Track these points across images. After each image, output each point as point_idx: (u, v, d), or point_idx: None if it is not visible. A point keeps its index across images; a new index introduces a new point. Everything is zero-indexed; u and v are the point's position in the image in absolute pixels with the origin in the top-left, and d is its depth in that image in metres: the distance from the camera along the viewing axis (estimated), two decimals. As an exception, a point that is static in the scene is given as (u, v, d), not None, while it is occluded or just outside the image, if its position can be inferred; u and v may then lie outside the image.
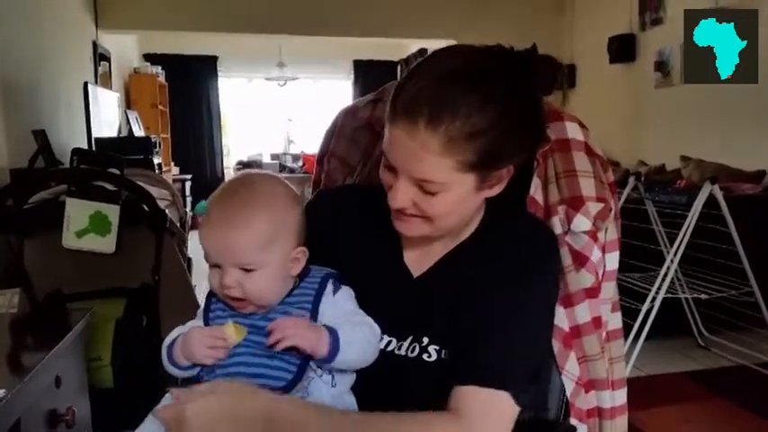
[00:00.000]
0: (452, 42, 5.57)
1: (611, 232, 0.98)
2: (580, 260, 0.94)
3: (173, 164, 6.71)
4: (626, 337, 2.70)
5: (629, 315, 2.74)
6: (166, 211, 1.92)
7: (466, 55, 0.81)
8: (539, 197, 0.97)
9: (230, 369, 0.81)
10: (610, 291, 0.99)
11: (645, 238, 2.82)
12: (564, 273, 0.94)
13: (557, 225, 0.95)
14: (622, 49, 5.02)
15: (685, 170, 3.87)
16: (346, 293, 0.89)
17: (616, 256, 0.99)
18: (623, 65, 5.11)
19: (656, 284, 2.65)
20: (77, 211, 1.76)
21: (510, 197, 0.90)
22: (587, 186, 0.95)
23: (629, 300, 2.77)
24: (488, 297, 0.85)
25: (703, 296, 2.70)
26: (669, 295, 2.67)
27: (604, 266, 0.97)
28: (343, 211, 0.98)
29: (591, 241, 0.94)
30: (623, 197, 2.95)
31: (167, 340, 0.88)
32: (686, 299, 2.89)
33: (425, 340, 0.86)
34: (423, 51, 5.67)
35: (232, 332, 0.82)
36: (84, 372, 1.42)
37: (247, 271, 0.82)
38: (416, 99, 0.76)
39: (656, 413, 2.43)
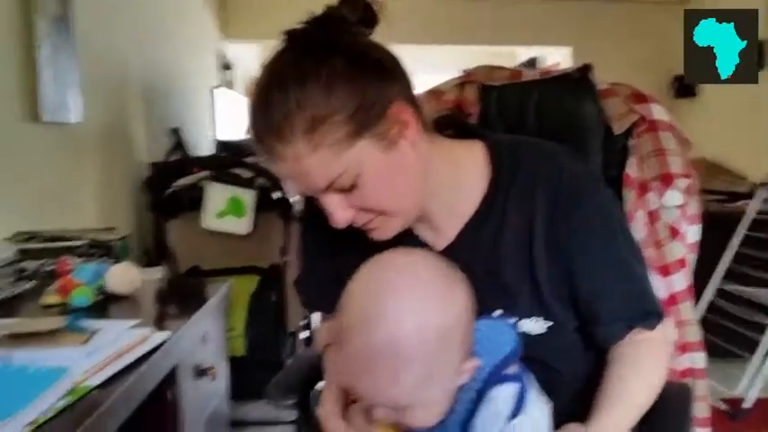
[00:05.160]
0: (566, 50, 5.52)
1: (693, 207, 1.06)
2: (673, 232, 1.03)
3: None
4: (752, 354, 2.56)
5: (758, 330, 2.60)
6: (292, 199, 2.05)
7: (267, 72, 0.77)
8: (633, 174, 1.05)
9: None
10: (692, 261, 1.08)
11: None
12: (662, 244, 1.03)
13: (652, 200, 1.04)
14: (752, 56, 4.76)
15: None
16: (537, 413, 0.72)
17: (697, 229, 1.07)
18: (752, 74, 4.84)
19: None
20: (217, 195, 1.92)
21: (606, 173, 0.99)
22: (675, 163, 1.03)
23: (763, 315, 2.63)
24: (570, 248, 0.83)
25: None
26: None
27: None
28: (333, 229, 0.84)
29: (680, 215, 1.04)
30: (752, 209, 2.81)
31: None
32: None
33: (497, 314, 0.83)
34: (532, 60, 5.63)
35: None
36: (223, 336, 1.56)
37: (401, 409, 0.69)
38: (261, 135, 0.75)
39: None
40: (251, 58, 7.01)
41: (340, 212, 0.78)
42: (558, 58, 5.52)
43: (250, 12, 5.53)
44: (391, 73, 0.79)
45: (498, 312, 0.83)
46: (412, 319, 0.66)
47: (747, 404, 2.48)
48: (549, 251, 0.84)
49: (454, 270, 0.73)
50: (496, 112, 1.11)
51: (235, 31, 5.57)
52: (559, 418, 0.76)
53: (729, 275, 2.82)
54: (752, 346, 2.58)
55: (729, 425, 2.43)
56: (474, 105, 1.11)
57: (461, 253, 0.84)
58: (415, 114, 0.80)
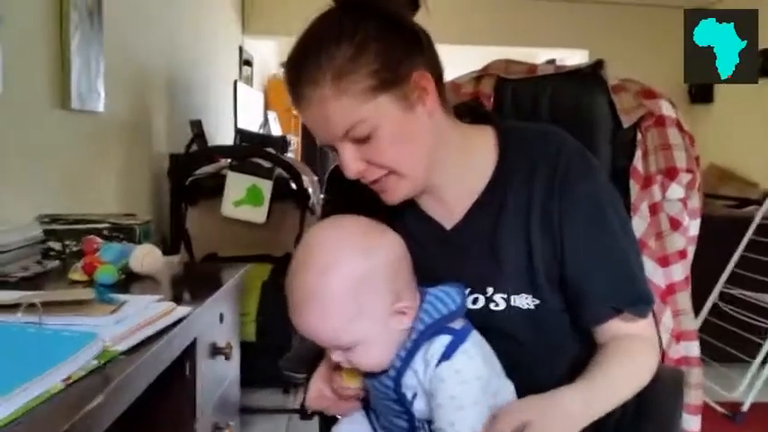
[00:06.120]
0: (584, 53, 5.54)
1: (695, 201, 1.10)
2: (674, 224, 1.07)
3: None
4: (754, 358, 2.58)
5: (761, 334, 2.62)
6: (309, 190, 2.10)
7: (309, 29, 0.85)
8: (640, 167, 1.09)
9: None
10: (691, 253, 1.12)
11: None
12: (663, 235, 1.07)
13: (656, 192, 1.08)
14: (770, 63, 4.73)
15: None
16: (464, 362, 0.76)
17: (697, 223, 1.11)
18: (769, 80, 4.82)
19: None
20: (236, 184, 1.99)
21: (614, 165, 1.06)
22: (680, 158, 1.07)
23: (762, 319, 2.65)
24: (561, 228, 0.88)
25: None
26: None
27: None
28: (354, 185, 0.91)
29: (683, 208, 1.08)
30: (760, 214, 2.83)
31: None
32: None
33: (490, 290, 0.89)
34: (551, 62, 5.64)
35: (347, 379, 0.84)
36: (237, 320, 1.61)
37: (346, 349, 0.80)
38: (293, 81, 0.84)
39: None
40: (268, 53, 7.09)
41: (353, 162, 0.85)
42: (575, 60, 5.53)
43: (269, 8, 5.59)
44: (420, 44, 0.86)
45: (490, 290, 0.89)
46: (332, 265, 0.77)
47: (746, 407, 2.51)
48: (543, 231, 0.89)
49: (380, 229, 0.82)
50: (511, 105, 1.16)
51: (253, 27, 5.65)
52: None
53: (733, 279, 2.84)
54: (752, 350, 2.61)
55: (728, 427, 2.46)
56: (490, 98, 1.16)
57: (466, 231, 0.92)
58: (436, 87, 0.87)
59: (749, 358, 2.60)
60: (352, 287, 0.77)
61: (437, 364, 0.76)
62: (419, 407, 0.79)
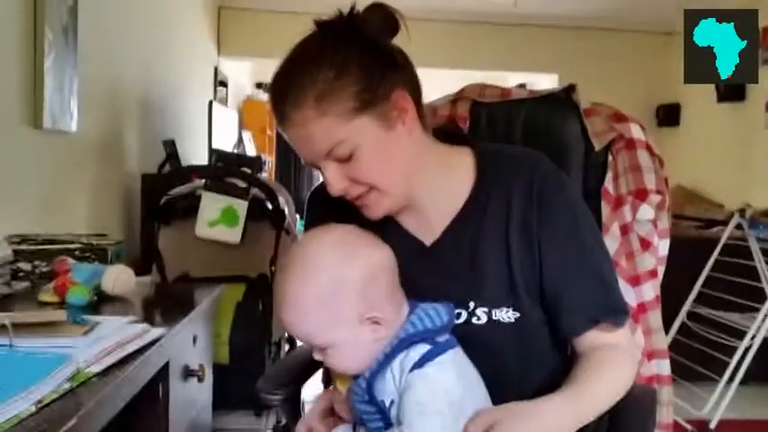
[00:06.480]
0: (554, 76, 5.65)
1: (664, 222, 1.13)
2: (644, 245, 1.10)
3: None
4: (721, 376, 2.63)
5: (727, 353, 2.68)
6: (285, 210, 2.10)
7: (292, 52, 0.89)
8: (611, 188, 1.12)
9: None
10: (661, 273, 1.14)
11: (747, 276, 2.76)
12: (633, 255, 1.10)
13: (626, 213, 1.11)
14: (732, 87, 4.89)
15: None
16: (435, 372, 0.78)
17: (667, 243, 1.14)
18: (732, 104, 4.97)
19: (757, 323, 2.58)
20: (211, 204, 1.98)
21: (586, 187, 1.09)
22: (650, 180, 1.11)
23: (728, 338, 2.71)
24: (540, 240, 0.90)
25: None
26: (771, 335, 2.59)
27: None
28: (334, 205, 0.94)
29: (653, 228, 1.11)
30: (725, 234, 2.90)
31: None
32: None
33: (471, 305, 0.90)
34: (522, 86, 5.73)
35: (338, 383, 0.89)
36: (211, 341, 1.60)
37: (322, 349, 0.84)
38: (277, 102, 0.87)
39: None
40: (243, 74, 7.10)
41: (336, 181, 0.87)
42: (546, 84, 5.65)
43: (244, 30, 5.61)
44: (399, 65, 0.89)
45: (471, 304, 0.90)
46: (310, 273, 0.81)
47: (713, 425, 2.56)
48: (522, 242, 0.91)
49: (368, 240, 0.85)
50: (486, 128, 1.18)
51: (229, 48, 5.66)
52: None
53: (701, 299, 2.90)
54: (720, 369, 2.66)
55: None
56: (465, 120, 1.18)
57: (446, 247, 0.94)
58: (415, 106, 0.90)
59: (716, 376, 2.65)
60: (326, 295, 0.80)
61: (410, 370, 0.78)
62: (395, 413, 0.80)
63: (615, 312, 0.92)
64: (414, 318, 0.83)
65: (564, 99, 1.18)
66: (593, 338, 0.90)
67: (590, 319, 0.90)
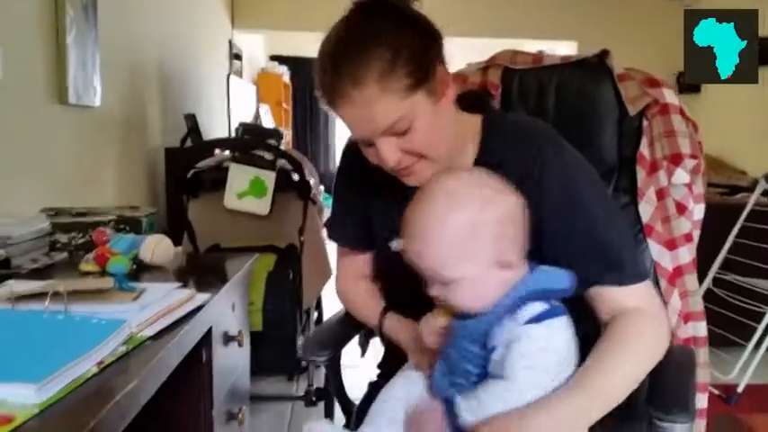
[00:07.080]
0: (573, 44, 5.58)
1: (699, 186, 1.13)
2: (680, 209, 1.11)
3: (291, 158, 7.09)
4: (748, 341, 2.64)
5: (754, 318, 2.68)
6: (311, 181, 2.12)
7: (343, 32, 0.90)
8: (646, 153, 1.12)
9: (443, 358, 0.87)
10: (696, 236, 1.15)
11: (773, 242, 2.74)
12: (669, 220, 1.10)
13: (662, 177, 1.11)
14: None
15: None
16: (549, 331, 0.80)
17: (702, 207, 1.14)
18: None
19: (785, 288, 2.58)
20: (239, 176, 1.99)
21: (621, 152, 1.09)
22: (684, 144, 1.11)
23: (755, 303, 2.70)
24: (533, 204, 0.88)
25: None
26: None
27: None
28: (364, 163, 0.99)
29: (688, 192, 1.12)
30: (752, 200, 2.88)
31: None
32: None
33: None
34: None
35: (438, 315, 0.89)
36: (246, 309, 1.62)
37: (444, 284, 0.84)
38: (334, 81, 0.87)
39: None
40: (257, 47, 7.07)
41: (392, 153, 0.90)
42: (564, 51, 5.57)
43: (257, 2, 5.58)
44: (438, 41, 0.93)
45: None
46: (449, 212, 0.82)
47: (740, 389, 2.57)
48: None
49: (497, 186, 0.85)
50: (518, 95, 1.19)
51: (242, 21, 5.63)
52: None
53: (727, 265, 2.89)
54: (746, 334, 2.66)
55: (723, 409, 2.52)
56: (497, 88, 1.18)
57: None
58: (448, 75, 0.93)
59: (743, 341, 2.66)
60: (463, 234, 0.81)
61: (525, 323, 0.79)
62: (496, 358, 0.81)
63: (613, 269, 0.90)
64: (536, 274, 0.85)
65: (597, 64, 1.17)
66: (611, 303, 0.90)
67: (587, 279, 0.89)
